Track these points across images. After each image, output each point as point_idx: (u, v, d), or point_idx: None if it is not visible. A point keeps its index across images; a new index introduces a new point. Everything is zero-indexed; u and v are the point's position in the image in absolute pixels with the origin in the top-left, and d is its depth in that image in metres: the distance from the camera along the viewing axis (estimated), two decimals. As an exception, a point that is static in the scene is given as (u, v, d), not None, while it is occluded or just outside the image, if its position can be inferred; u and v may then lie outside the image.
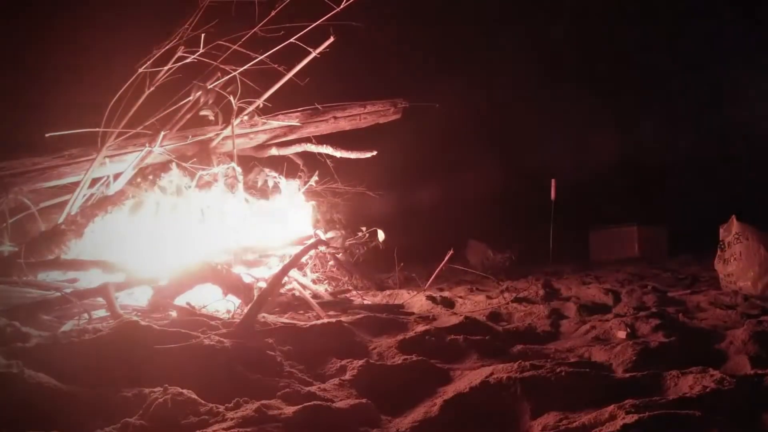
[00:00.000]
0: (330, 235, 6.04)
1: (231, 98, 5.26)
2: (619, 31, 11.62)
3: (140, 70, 5.22)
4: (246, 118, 5.67)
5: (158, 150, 5.38)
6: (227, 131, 5.57)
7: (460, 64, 10.95)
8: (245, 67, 5.36)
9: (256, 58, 5.38)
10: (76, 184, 5.10)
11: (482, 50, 11.19)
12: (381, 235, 5.75)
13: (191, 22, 5.32)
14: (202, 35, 5.17)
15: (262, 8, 5.29)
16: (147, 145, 5.36)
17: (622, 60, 12.00)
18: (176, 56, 5.18)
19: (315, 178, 6.29)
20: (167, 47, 5.25)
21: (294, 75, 5.60)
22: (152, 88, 5.26)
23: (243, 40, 5.29)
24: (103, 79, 5.57)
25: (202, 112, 5.40)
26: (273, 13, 5.25)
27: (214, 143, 5.60)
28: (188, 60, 5.19)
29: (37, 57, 7.26)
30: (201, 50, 5.17)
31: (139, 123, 5.37)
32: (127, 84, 5.22)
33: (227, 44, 5.28)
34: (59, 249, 4.17)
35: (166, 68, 5.23)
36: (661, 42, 11.93)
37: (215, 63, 5.28)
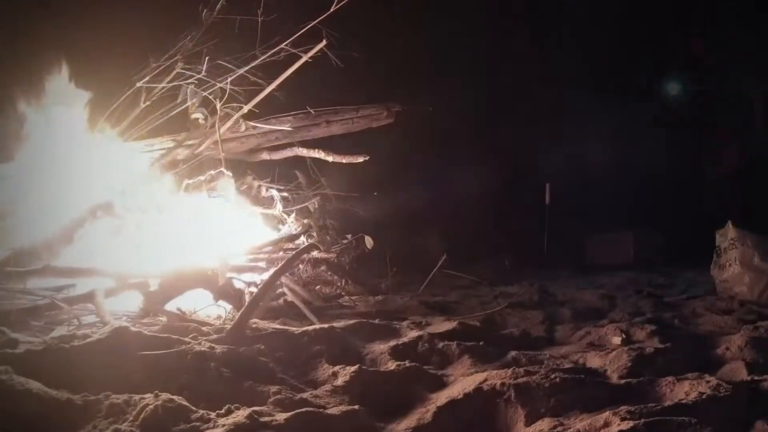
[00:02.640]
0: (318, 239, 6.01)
1: (217, 103, 5.24)
2: (616, 32, 11.60)
3: (138, 84, 5.25)
4: (238, 122, 5.65)
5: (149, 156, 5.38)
6: (216, 137, 5.55)
7: (454, 66, 10.94)
8: (234, 75, 5.35)
9: (251, 63, 5.38)
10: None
11: (476, 52, 11.17)
12: (369, 242, 5.71)
13: (192, 38, 5.36)
14: (204, 53, 5.20)
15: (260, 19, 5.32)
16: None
17: (618, 61, 11.99)
18: (174, 72, 5.21)
19: (315, 204, 6.27)
20: (166, 64, 5.30)
21: (283, 82, 5.58)
22: (148, 102, 5.29)
23: (246, 62, 5.30)
24: (100, 85, 5.57)
25: (193, 116, 5.39)
26: (276, 39, 5.27)
27: (202, 147, 5.59)
28: (188, 80, 5.21)
29: (32, 61, 7.23)
30: (203, 68, 5.19)
31: (131, 128, 5.38)
32: (123, 97, 5.26)
33: (226, 64, 5.30)
34: (49, 255, 4.13)
35: (162, 85, 5.27)
36: (659, 42, 11.92)
37: (212, 81, 5.28)
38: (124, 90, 5.33)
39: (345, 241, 5.99)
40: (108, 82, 5.41)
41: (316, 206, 6.16)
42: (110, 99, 5.32)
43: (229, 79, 5.27)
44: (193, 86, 5.23)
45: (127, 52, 5.72)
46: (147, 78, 5.26)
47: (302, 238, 5.41)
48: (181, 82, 5.21)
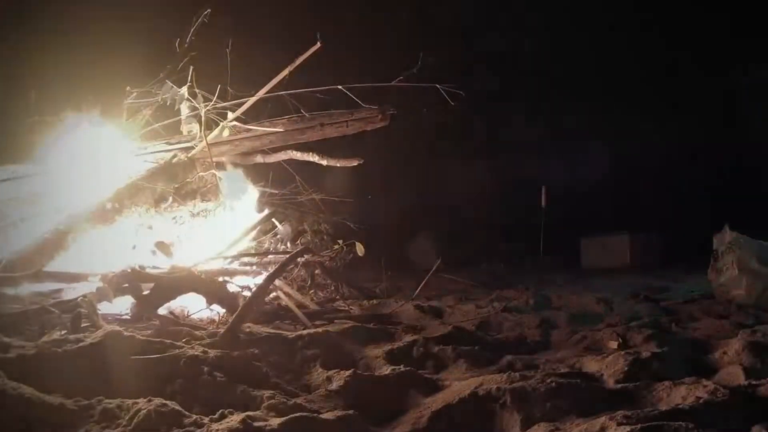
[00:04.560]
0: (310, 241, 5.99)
1: (202, 110, 5.24)
2: (611, 36, 11.62)
3: (127, 101, 5.31)
4: (223, 130, 5.65)
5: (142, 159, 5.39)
6: (206, 141, 5.56)
7: (451, 67, 10.97)
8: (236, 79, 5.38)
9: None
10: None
11: (473, 53, 11.20)
12: (360, 249, 5.68)
13: (177, 65, 5.44)
14: (191, 68, 5.25)
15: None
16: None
17: (614, 66, 12.01)
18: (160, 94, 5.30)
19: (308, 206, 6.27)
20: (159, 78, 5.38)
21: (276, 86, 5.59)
22: (131, 119, 5.36)
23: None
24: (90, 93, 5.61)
25: (185, 127, 5.41)
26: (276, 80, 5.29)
27: (194, 152, 5.58)
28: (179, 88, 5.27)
29: (25, 66, 7.26)
30: (191, 83, 5.24)
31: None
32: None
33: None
34: (43, 261, 4.11)
35: (148, 99, 5.35)
36: (656, 47, 11.95)
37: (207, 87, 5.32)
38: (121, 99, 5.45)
39: (337, 247, 5.96)
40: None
41: (310, 209, 6.16)
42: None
43: (218, 89, 5.29)
44: (183, 92, 5.24)
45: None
46: (134, 93, 5.37)
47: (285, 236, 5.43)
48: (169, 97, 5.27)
